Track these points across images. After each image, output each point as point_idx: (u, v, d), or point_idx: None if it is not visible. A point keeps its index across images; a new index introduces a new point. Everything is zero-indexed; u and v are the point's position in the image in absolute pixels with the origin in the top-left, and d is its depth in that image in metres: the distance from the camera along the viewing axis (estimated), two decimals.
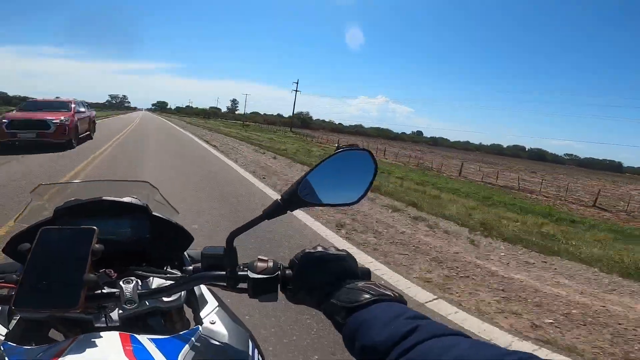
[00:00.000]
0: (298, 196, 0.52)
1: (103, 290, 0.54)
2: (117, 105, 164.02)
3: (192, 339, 0.56)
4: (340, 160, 0.52)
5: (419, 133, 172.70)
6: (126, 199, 0.74)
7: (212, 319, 0.66)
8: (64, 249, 0.53)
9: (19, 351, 0.51)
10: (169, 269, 0.72)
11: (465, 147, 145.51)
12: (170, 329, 0.68)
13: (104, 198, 0.71)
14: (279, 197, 0.53)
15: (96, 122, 13.73)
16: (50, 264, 0.51)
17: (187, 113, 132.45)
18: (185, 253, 0.79)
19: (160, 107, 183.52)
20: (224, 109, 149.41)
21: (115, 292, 0.55)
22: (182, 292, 0.67)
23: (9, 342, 0.53)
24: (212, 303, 0.71)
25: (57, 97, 12.56)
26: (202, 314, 0.68)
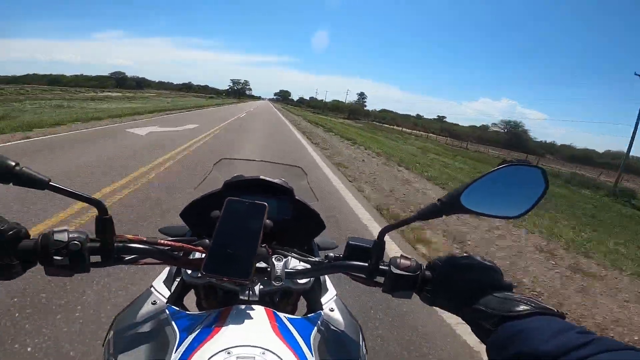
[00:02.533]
0: (459, 202, 0.50)
1: (257, 265, 0.56)
2: (239, 92, 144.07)
3: (318, 322, 0.59)
4: (507, 174, 0.49)
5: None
6: (277, 180, 0.79)
7: (332, 307, 0.68)
8: (243, 220, 0.56)
9: (183, 315, 0.56)
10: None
11: None
12: (283, 309, 0.71)
13: (261, 177, 0.78)
14: (438, 200, 0.52)
15: None
16: (233, 234, 0.55)
17: (314, 107, 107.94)
18: (314, 240, 0.83)
19: (282, 97, 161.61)
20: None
21: (267, 268, 0.57)
22: (313, 277, 0.69)
23: (173, 306, 0.59)
24: (332, 291, 0.74)
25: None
26: (323, 300, 0.70)
